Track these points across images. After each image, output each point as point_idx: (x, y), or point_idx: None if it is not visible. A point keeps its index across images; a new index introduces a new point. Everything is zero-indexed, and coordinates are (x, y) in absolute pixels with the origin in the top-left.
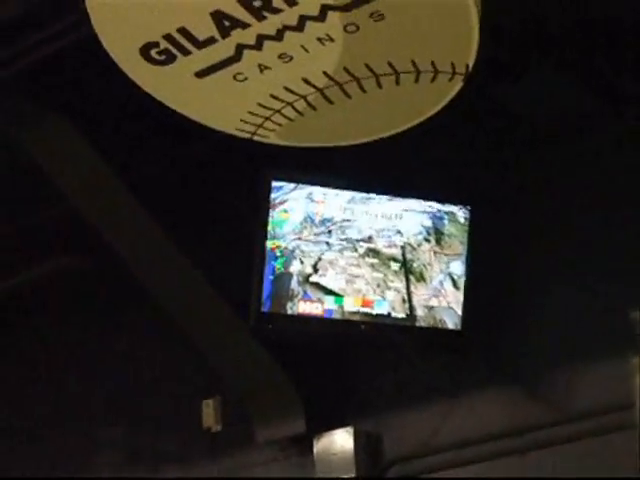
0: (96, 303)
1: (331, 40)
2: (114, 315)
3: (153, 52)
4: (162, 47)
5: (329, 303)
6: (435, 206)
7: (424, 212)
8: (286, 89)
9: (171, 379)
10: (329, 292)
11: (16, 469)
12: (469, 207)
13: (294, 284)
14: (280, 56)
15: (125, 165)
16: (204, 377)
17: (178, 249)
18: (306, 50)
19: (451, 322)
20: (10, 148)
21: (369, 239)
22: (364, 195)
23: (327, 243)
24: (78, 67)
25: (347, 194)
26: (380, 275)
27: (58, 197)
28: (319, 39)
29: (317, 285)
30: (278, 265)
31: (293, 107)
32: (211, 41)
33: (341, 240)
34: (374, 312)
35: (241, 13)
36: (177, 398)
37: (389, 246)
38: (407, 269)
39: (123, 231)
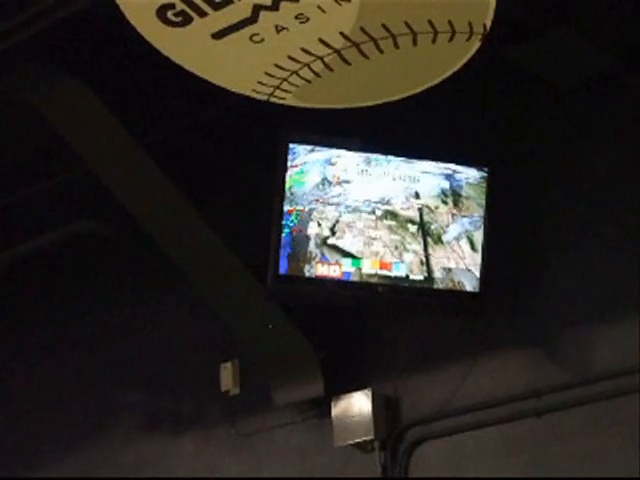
0: (115, 268)
1: (348, 0)
2: (133, 280)
3: (170, 14)
4: (179, 9)
5: (347, 265)
6: (452, 168)
7: (441, 174)
8: (303, 50)
9: (189, 343)
10: (347, 254)
11: (40, 433)
12: (486, 169)
13: (312, 246)
14: (297, 17)
15: (142, 128)
16: (222, 340)
17: (196, 212)
18: (323, 10)
19: (469, 284)
20: (28, 112)
21: (386, 201)
22: (381, 157)
23: (344, 205)
24: (95, 30)
25: (364, 156)
26: (398, 237)
27: (76, 161)
28: None
29: (335, 247)
30: (295, 227)
31: (310, 68)
32: (227, 2)
33: (358, 202)
34: (392, 274)
35: None
36: (195, 361)
37: (407, 208)
38: (425, 231)
39: (141, 195)
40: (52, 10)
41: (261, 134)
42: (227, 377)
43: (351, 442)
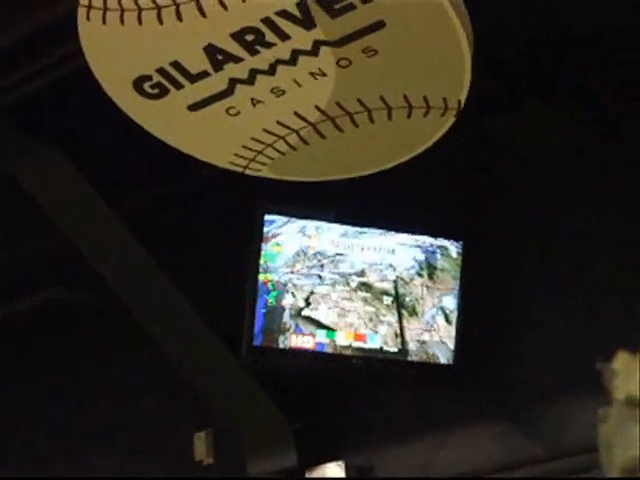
0: (88, 336)
1: (323, 75)
2: (105, 348)
3: (146, 86)
4: (155, 81)
5: (321, 337)
6: (428, 240)
7: (417, 246)
8: (278, 123)
9: (162, 412)
10: (321, 326)
11: None
12: (462, 242)
13: (286, 318)
14: (272, 90)
15: (117, 197)
16: (195, 410)
17: (170, 283)
18: (299, 84)
19: (443, 357)
20: (1, 178)
21: (361, 273)
22: (357, 229)
23: (319, 277)
24: (70, 100)
25: (340, 228)
26: (372, 309)
27: (50, 228)
28: (312, 73)
29: (309, 319)
30: (270, 299)
31: (285, 141)
32: (204, 75)
33: (333, 274)
34: (366, 346)
35: (234, 47)
36: (168, 431)
37: (381, 280)
38: (399, 303)
39: (115, 264)
40: (28, 79)
41: (237, 205)
42: (201, 446)
43: None
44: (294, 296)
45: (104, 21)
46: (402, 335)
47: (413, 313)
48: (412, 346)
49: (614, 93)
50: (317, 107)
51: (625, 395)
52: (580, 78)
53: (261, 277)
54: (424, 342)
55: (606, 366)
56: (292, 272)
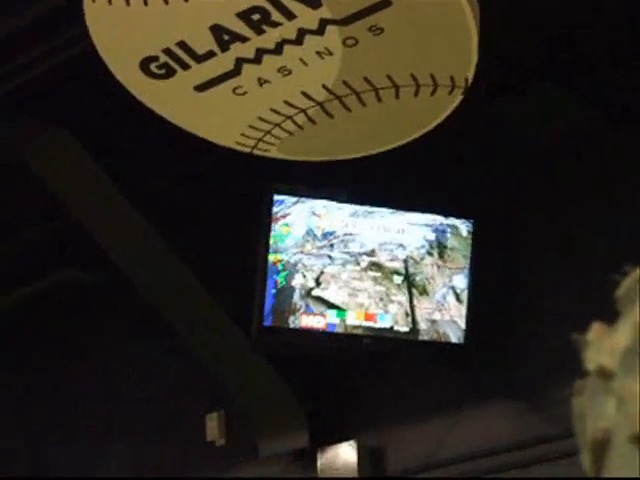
0: (100, 317)
1: (330, 54)
2: (117, 329)
3: (153, 66)
4: (162, 61)
5: (331, 317)
6: (438, 219)
7: (427, 225)
8: (286, 103)
9: (174, 393)
10: (331, 306)
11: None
12: (472, 220)
13: (296, 298)
14: (279, 70)
15: (127, 179)
16: (207, 391)
17: (181, 263)
18: (305, 64)
19: (454, 336)
20: (13, 162)
21: (372, 253)
22: (366, 208)
23: (329, 257)
24: (78, 82)
25: (349, 207)
26: (383, 289)
27: (61, 211)
28: (318, 53)
29: (319, 299)
30: (280, 279)
31: (293, 121)
32: (210, 55)
33: (343, 254)
34: (377, 326)
35: (240, 27)
36: (181, 412)
37: (392, 260)
38: (410, 283)
39: (126, 245)
40: (37, 61)
41: (247, 185)
42: (212, 428)
43: None
44: (304, 276)
45: (110, 2)
46: (413, 314)
47: (424, 292)
48: (423, 325)
49: (625, 75)
50: (324, 86)
51: (596, 366)
52: (590, 60)
53: (271, 257)
54: (435, 321)
55: (580, 337)
56: (302, 252)
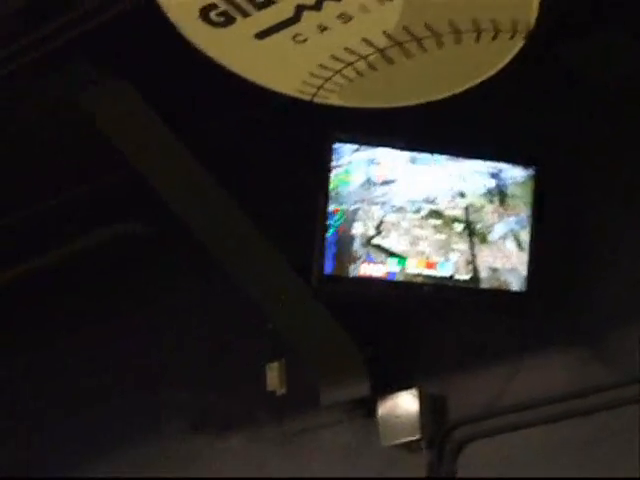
0: (160, 269)
1: None
2: (178, 281)
3: (212, 14)
4: (221, 9)
5: (392, 265)
6: (499, 166)
7: (488, 172)
8: (346, 50)
9: (235, 342)
10: (392, 254)
11: (86, 435)
12: (534, 167)
13: (356, 246)
14: (339, 16)
15: (186, 128)
16: (268, 341)
17: (241, 213)
18: (366, 9)
19: (516, 284)
20: (73, 112)
21: (432, 200)
22: (427, 156)
23: (389, 205)
24: (138, 31)
25: (409, 155)
26: (443, 237)
27: (122, 161)
28: None
29: (379, 247)
30: (340, 228)
31: (353, 68)
32: (270, 2)
33: (403, 202)
34: (437, 274)
35: None
36: (242, 361)
37: (452, 207)
38: (470, 230)
39: (184, 195)
40: (96, 11)
41: (307, 134)
42: (273, 377)
43: (397, 442)
44: (364, 225)
45: None
46: (474, 262)
47: (484, 240)
48: (484, 273)
49: None
50: (385, 32)
51: None
52: None
53: (331, 206)
54: (496, 269)
55: None
56: (362, 200)
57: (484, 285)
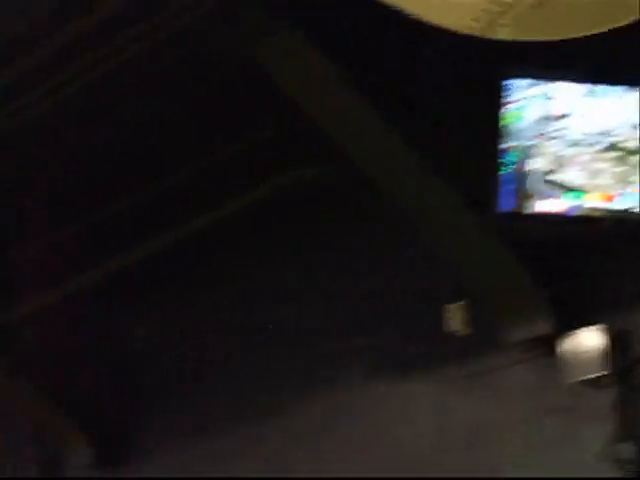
0: (337, 214)
1: None
2: (356, 225)
3: None
4: None
5: (569, 200)
6: None
7: None
8: None
9: (416, 286)
10: (569, 189)
11: (282, 372)
12: None
13: (533, 182)
14: None
15: (356, 71)
16: (449, 281)
17: (416, 154)
18: None
19: None
20: (251, 63)
21: (609, 133)
22: (602, 88)
23: (565, 139)
24: None
25: (584, 88)
26: (621, 169)
27: (299, 111)
28: None
29: (556, 182)
30: (515, 164)
31: (524, 2)
32: None
33: (579, 135)
34: (616, 207)
35: None
36: (422, 303)
37: (630, 140)
38: None
39: (362, 141)
40: None
41: (480, 71)
42: (455, 318)
43: (582, 379)
44: (540, 160)
45: None
46: None
47: None
48: None
49: None
50: None
51: None
52: None
53: (505, 143)
54: None
55: None
56: (536, 136)
57: None
